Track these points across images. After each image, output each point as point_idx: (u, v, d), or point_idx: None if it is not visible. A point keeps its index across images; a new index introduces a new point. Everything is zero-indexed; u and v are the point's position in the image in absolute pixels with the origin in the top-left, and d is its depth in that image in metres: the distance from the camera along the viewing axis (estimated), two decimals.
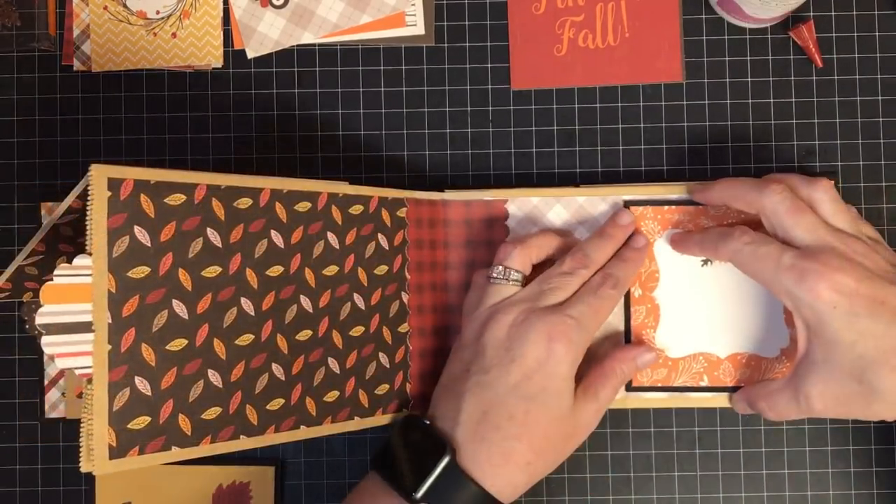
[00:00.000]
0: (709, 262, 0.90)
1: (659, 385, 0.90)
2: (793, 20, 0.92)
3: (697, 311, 0.90)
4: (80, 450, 0.66)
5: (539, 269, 0.85)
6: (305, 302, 0.78)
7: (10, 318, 0.93)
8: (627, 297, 0.90)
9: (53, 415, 0.93)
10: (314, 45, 0.95)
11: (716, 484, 0.92)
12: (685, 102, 0.94)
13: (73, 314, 0.66)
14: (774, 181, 0.80)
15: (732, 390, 0.89)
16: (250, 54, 0.94)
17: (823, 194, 0.80)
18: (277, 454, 0.93)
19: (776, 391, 0.82)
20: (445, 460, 0.76)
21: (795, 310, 0.78)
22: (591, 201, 0.90)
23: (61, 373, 0.93)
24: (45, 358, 0.93)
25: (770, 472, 0.92)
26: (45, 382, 0.93)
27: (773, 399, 0.82)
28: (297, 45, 0.95)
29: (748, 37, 0.93)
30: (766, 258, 0.78)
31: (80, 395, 0.92)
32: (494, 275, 0.83)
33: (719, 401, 0.90)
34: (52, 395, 0.93)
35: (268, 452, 0.93)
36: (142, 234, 0.68)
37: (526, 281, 0.84)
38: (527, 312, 0.80)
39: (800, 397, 0.79)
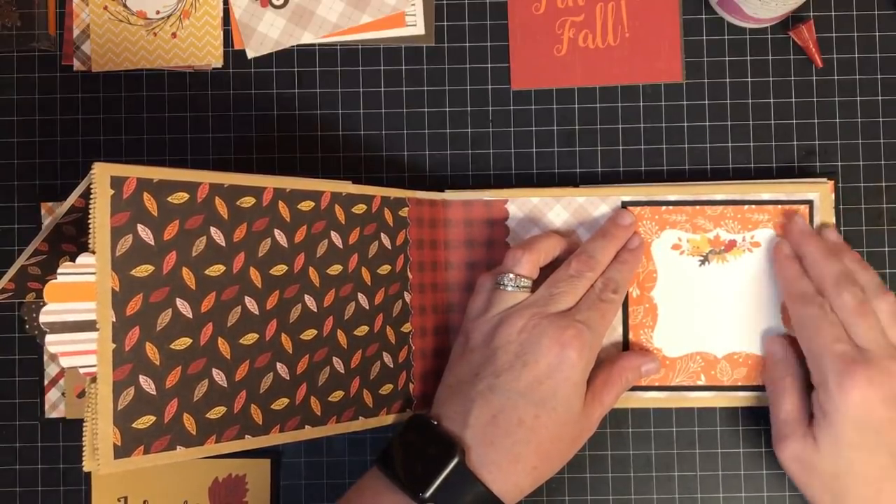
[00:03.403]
0: (706, 263, 0.90)
1: (657, 384, 0.90)
2: (793, 20, 0.93)
3: (694, 311, 0.90)
4: (83, 449, 0.66)
5: (543, 270, 0.85)
6: (310, 301, 0.78)
7: (11, 318, 0.93)
8: (626, 296, 0.90)
9: (53, 415, 0.93)
10: (314, 45, 0.95)
11: (716, 484, 0.92)
12: (685, 102, 0.94)
13: (77, 312, 0.66)
14: (850, 283, 0.82)
15: (730, 390, 0.90)
16: (250, 54, 0.94)
17: (888, 307, 0.83)
18: (274, 447, 0.92)
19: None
20: (455, 461, 0.76)
21: (821, 390, 0.82)
22: (591, 201, 0.90)
23: (61, 373, 0.92)
24: (45, 358, 0.93)
25: (770, 472, 0.92)
26: (45, 382, 0.93)
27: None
28: (297, 45, 0.95)
29: (748, 37, 0.94)
30: (824, 333, 0.81)
31: (80, 395, 0.92)
32: (504, 282, 0.83)
33: (718, 400, 0.90)
34: (52, 395, 0.93)
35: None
36: (145, 233, 0.68)
37: (533, 284, 0.84)
38: (538, 318, 0.80)
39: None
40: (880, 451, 0.79)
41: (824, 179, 0.90)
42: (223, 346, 0.72)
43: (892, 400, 0.78)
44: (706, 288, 0.90)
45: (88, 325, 0.66)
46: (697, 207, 0.90)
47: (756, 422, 0.92)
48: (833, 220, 0.89)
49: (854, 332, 0.81)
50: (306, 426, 0.78)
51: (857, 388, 0.78)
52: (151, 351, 0.68)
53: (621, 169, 0.94)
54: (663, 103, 0.94)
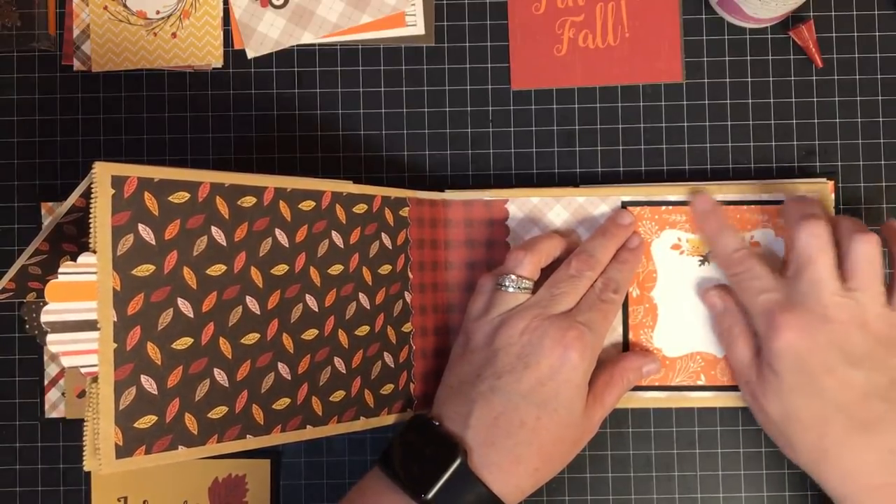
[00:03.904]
0: (706, 262, 0.90)
1: (657, 384, 0.90)
2: (793, 20, 0.93)
3: (694, 311, 0.90)
4: (84, 449, 0.66)
5: (544, 270, 0.85)
6: (311, 301, 0.78)
7: (11, 318, 0.93)
8: (626, 296, 0.90)
9: (53, 415, 0.93)
10: (314, 45, 0.95)
11: (716, 484, 0.92)
12: (685, 102, 0.94)
13: (79, 312, 0.66)
14: (814, 218, 0.81)
15: (730, 389, 0.90)
16: (250, 54, 0.94)
17: (862, 248, 0.81)
18: (275, 447, 0.92)
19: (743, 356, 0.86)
20: (457, 462, 0.76)
21: (761, 341, 0.83)
22: (591, 201, 0.90)
23: (61, 373, 0.92)
24: (46, 358, 0.93)
25: (770, 472, 0.92)
26: (45, 382, 0.93)
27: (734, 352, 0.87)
28: (297, 45, 0.95)
29: (748, 37, 0.94)
30: (750, 287, 0.83)
31: (80, 395, 0.92)
32: (505, 283, 0.83)
33: (718, 400, 0.90)
34: (52, 395, 0.93)
35: None
36: (146, 232, 0.68)
37: (534, 285, 0.84)
38: (539, 319, 0.80)
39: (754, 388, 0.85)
40: (818, 396, 0.79)
41: (824, 179, 0.90)
42: (224, 346, 0.72)
43: (827, 346, 0.79)
44: (706, 288, 0.90)
45: (89, 325, 0.66)
46: None
47: (756, 422, 0.92)
48: None
49: (796, 278, 0.81)
50: (307, 426, 0.78)
51: (785, 333, 0.79)
52: (153, 350, 0.68)
53: (621, 169, 0.94)
54: (663, 103, 0.94)
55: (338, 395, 0.80)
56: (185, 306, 0.69)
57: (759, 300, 0.82)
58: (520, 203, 0.91)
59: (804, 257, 0.80)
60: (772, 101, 0.93)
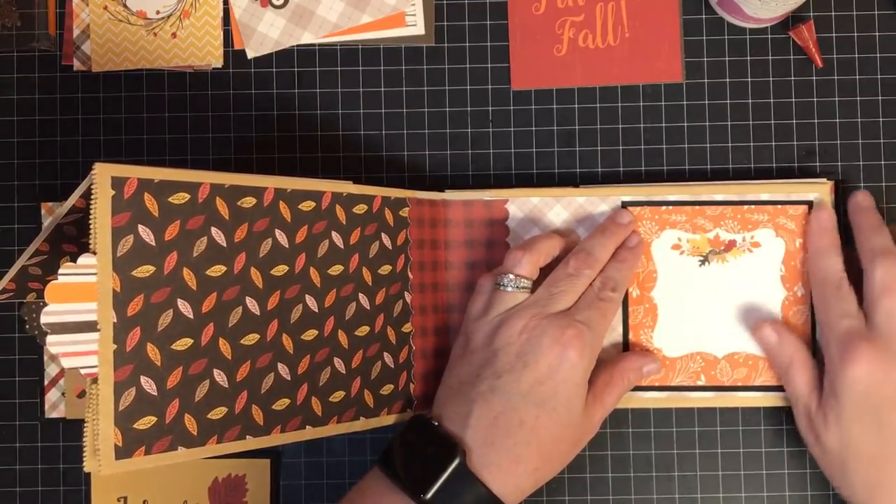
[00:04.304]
0: (706, 263, 0.90)
1: (657, 385, 0.90)
2: (793, 20, 0.93)
3: (694, 311, 0.90)
4: (84, 449, 0.66)
5: (543, 270, 0.85)
6: (311, 301, 0.78)
7: (11, 318, 0.93)
8: (625, 296, 0.90)
9: (53, 415, 0.93)
10: (314, 45, 0.95)
11: (716, 484, 0.92)
12: (685, 102, 0.94)
13: (79, 313, 0.66)
14: (891, 255, 0.82)
15: (730, 389, 0.90)
16: (250, 54, 0.94)
17: None
18: (275, 447, 0.92)
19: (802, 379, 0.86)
20: (456, 462, 0.76)
21: (828, 365, 0.83)
22: (591, 201, 0.90)
23: (61, 373, 0.92)
24: (46, 358, 0.93)
25: (770, 473, 0.92)
26: (45, 382, 0.93)
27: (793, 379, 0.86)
28: (297, 45, 0.95)
29: (748, 37, 0.94)
30: (833, 308, 0.84)
31: (80, 396, 0.92)
32: (504, 283, 0.83)
33: (718, 400, 0.90)
34: (52, 395, 0.93)
35: None
36: (146, 233, 0.68)
37: (533, 285, 0.84)
38: (538, 319, 0.80)
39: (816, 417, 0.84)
40: (879, 430, 0.79)
41: (824, 179, 0.90)
42: (224, 347, 0.72)
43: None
44: (706, 288, 0.90)
45: (89, 326, 0.66)
46: (697, 207, 0.90)
47: (756, 422, 0.92)
48: None
49: (871, 310, 0.81)
50: (307, 426, 0.78)
51: (859, 362, 0.79)
52: (152, 351, 0.68)
53: (621, 169, 0.94)
54: (663, 103, 0.94)
55: (337, 396, 0.80)
56: (184, 307, 0.70)
57: (843, 324, 0.82)
58: (520, 203, 0.91)
59: (880, 291, 0.81)
60: (772, 101, 0.93)
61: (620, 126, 0.94)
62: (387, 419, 0.85)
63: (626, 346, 0.90)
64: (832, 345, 0.82)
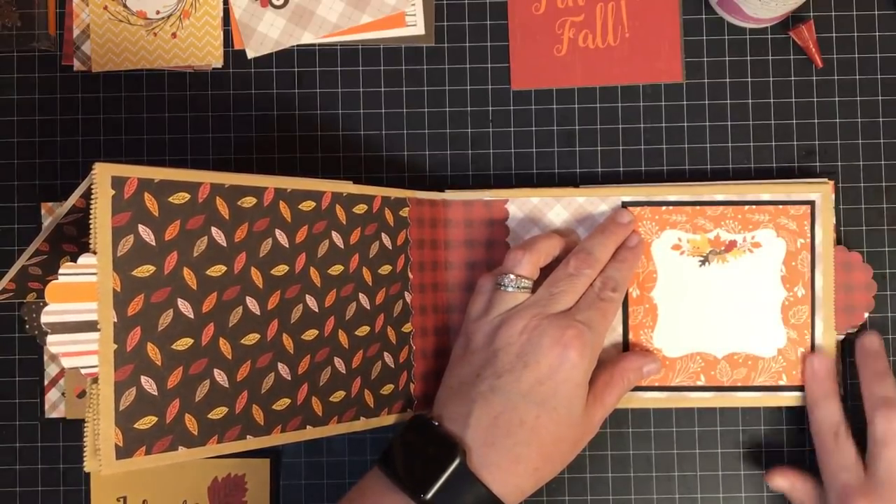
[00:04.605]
0: (706, 263, 0.90)
1: (657, 385, 0.90)
2: (793, 20, 0.93)
3: (694, 311, 0.90)
4: (84, 449, 0.66)
5: (543, 269, 0.85)
6: (311, 301, 0.78)
7: (11, 318, 0.93)
8: (625, 296, 0.90)
9: (53, 415, 0.93)
10: (314, 45, 0.95)
11: (716, 484, 0.92)
12: (685, 102, 0.94)
13: (79, 313, 0.66)
14: (886, 410, 0.84)
15: (730, 390, 0.90)
16: (250, 54, 0.94)
17: None
18: (274, 447, 0.92)
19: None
20: (456, 462, 0.75)
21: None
22: (591, 202, 0.90)
23: (61, 373, 0.92)
24: (46, 358, 0.93)
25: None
26: (45, 382, 0.93)
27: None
28: (297, 45, 0.94)
29: (748, 37, 0.94)
30: (832, 460, 0.85)
31: (80, 395, 0.92)
32: (505, 283, 0.83)
33: (718, 400, 0.90)
34: (52, 395, 0.93)
35: None
36: (146, 233, 0.68)
37: (534, 285, 0.84)
38: (538, 319, 0.80)
39: None
40: None
41: (825, 179, 0.90)
42: (224, 347, 0.72)
43: None
44: (706, 288, 0.90)
45: (90, 326, 0.66)
46: (697, 208, 0.90)
47: (756, 422, 0.92)
48: (833, 220, 0.89)
49: (872, 460, 0.83)
50: (307, 426, 0.78)
51: None
52: (153, 351, 0.68)
53: (621, 169, 0.94)
54: (663, 103, 0.94)
55: (338, 396, 0.80)
56: (185, 307, 0.70)
57: (841, 477, 0.83)
58: (520, 203, 0.91)
59: (881, 442, 0.83)
60: (772, 101, 0.93)
61: (620, 126, 0.94)
62: (387, 419, 0.85)
63: (626, 346, 0.90)
64: (832, 495, 0.84)
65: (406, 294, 0.87)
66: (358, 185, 0.83)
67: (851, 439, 0.85)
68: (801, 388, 0.89)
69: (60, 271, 0.65)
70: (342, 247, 0.81)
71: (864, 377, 0.87)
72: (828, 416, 0.87)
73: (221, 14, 0.94)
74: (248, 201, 0.74)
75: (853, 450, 0.85)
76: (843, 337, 0.91)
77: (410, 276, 0.87)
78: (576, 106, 0.94)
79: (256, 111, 0.94)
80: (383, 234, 0.84)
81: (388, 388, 0.84)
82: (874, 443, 0.83)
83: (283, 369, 0.76)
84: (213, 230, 0.71)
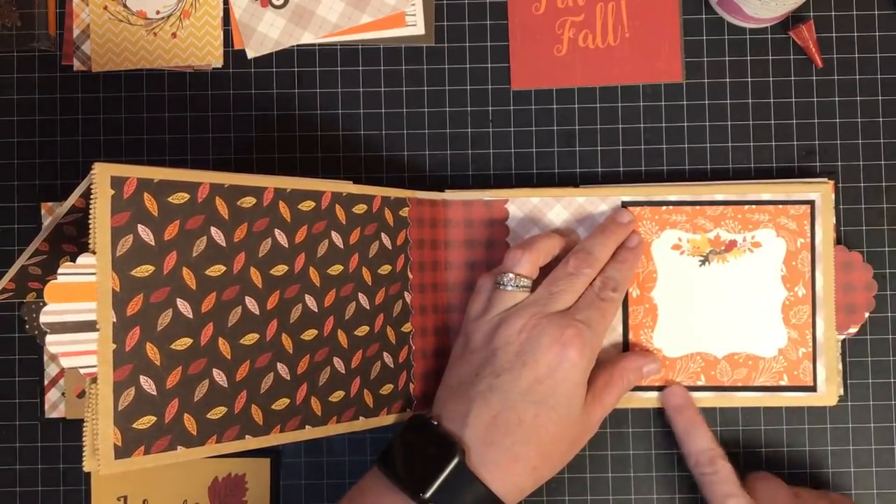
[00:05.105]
0: (706, 263, 0.90)
1: (657, 385, 0.90)
2: (793, 20, 0.93)
3: (694, 311, 0.90)
4: (84, 449, 0.66)
5: (543, 269, 0.85)
6: (310, 301, 0.78)
7: (11, 318, 0.93)
8: (625, 296, 0.90)
9: (53, 415, 0.93)
10: (314, 45, 0.95)
11: None
12: (685, 102, 0.94)
13: (78, 313, 0.66)
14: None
15: (730, 390, 0.90)
16: (250, 54, 0.94)
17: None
18: (274, 447, 0.92)
19: None
20: (455, 461, 0.75)
21: None
22: (591, 201, 0.90)
23: (61, 373, 0.92)
24: (46, 358, 0.93)
25: (769, 473, 0.92)
26: (45, 382, 0.93)
27: None
28: (297, 45, 0.95)
29: (748, 37, 0.94)
30: (716, 490, 0.86)
31: (80, 395, 0.92)
32: (504, 282, 0.83)
33: (718, 400, 0.90)
34: (52, 395, 0.93)
35: None
36: (145, 233, 0.68)
37: (533, 284, 0.84)
38: (537, 318, 0.80)
39: None
40: None
41: (825, 179, 0.90)
42: (224, 347, 0.72)
43: None
44: (706, 288, 0.90)
45: (89, 326, 0.66)
46: (697, 207, 0.90)
47: (756, 422, 0.92)
48: (833, 220, 0.89)
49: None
50: (307, 426, 0.78)
51: None
52: (152, 351, 0.68)
53: (621, 169, 0.94)
54: (663, 103, 0.94)
55: (337, 396, 0.80)
56: (184, 307, 0.70)
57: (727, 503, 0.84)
58: (520, 203, 0.91)
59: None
60: (772, 101, 0.93)
61: (620, 126, 0.94)
62: (386, 419, 0.85)
63: (626, 346, 0.90)
64: None
65: (406, 294, 0.87)
66: (358, 185, 0.83)
67: (729, 465, 0.86)
68: (802, 389, 0.89)
69: (59, 271, 0.65)
70: (342, 247, 0.81)
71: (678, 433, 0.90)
72: (702, 440, 0.87)
73: (221, 14, 0.94)
74: (248, 201, 0.74)
75: (733, 471, 0.85)
76: (843, 337, 0.91)
77: (410, 275, 0.87)
78: (576, 106, 0.94)
79: (256, 111, 0.94)
80: (383, 234, 0.84)
81: (387, 388, 0.84)
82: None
83: (283, 369, 0.76)
84: (213, 230, 0.71)
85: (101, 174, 0.66)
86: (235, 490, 0.93)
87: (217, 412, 0.71)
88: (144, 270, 0.68)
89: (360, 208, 0.82)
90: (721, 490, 0.84)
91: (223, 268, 0.72)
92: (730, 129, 0.93)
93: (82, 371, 0.66)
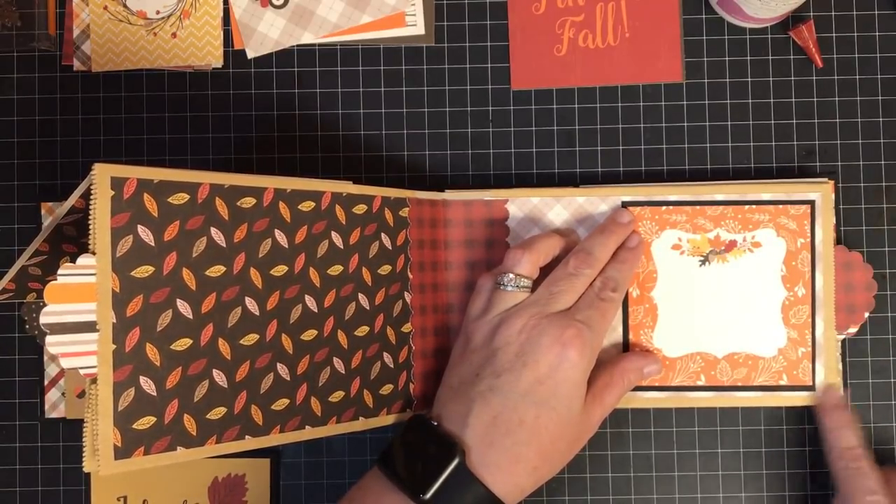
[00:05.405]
0: (706, 263, 0.90)
1: (657, 384, 0.90)
2: (793, 20, 0.93)
3: (694, 311, 0.90)
4: (83, 449, 0.66)
5: (543, 269, 0.85)
6: (310, 301, 0.78)
7: (11, 318, 0.93)
8: (625, 297, 0.90)
9: (53, 415, 0.93)
10: (314, 45, 0.95)
11: (716, 484, 0.92)
12: (685, 102, 0.94)
13: (78, 314, 0.66)
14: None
15: (730, 389, 0.90)
16: (250, 54, 0.94)
17: None
18: (274, 447, 0.92)
19: None
20: (455, 462, 0.75)
21: None
22: (591, 201, 0.90)
23: (61, 373, 0.92)
24: (46, 358, 0.93)
25: (770, 472, 0.92)
26: (45, 382, 0.93)
27: None
28: (297, 45, 0.95)
29: (748, 37, 0.94)
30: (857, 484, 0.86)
31: (80, 396, 0.92)
32: (504, 282, 0.83)
33: (718, 400, 0.90)
34: (52, 395, 0.93)
35: None
36: (145, 234, 0.68)
37: (533, 284, 0.84)
38: (537, 318, 0.80)
39: None
40: None
41: (825, 179, 0.90)
42: (223, 347, 0.72)
43: None
44: (706, 288, 0.90)
45: (89, 327, 0.66)
46: (697, 207, 0.90)
47: (756, 422, 0.92)
48: (833, 220, 0.89)
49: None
50: (307, 426, 0.78)
51: None
52: (152, 352, 0.68)
53: (621, 169, 0.94)
54: (663, 103, 0.94)
55: (337, 396, 0.80)
56: (184, 307, 0.70)
57: (867, 500, 0.84)
58: (520, 203, 0.91)
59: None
60: (772, 101, 0.93)
61: (620, 126, 0.94)
62: (386, 419, 0.85)
63: (626, 346, 0.90)
64: None
65: (406, 294, 0.87)
66: (358, 185, 0.83)
67: (874, 465, 0.86)
68: (801, 388, 0.89)
69: (59, 272, 0.65)
70: (342, 247, 0.81)
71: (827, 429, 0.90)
72: (852, 437, 0.87)
73: (221, 14, 0.94)
74: (248, 202, 0.74)
75: (876, 469, 0.85)
76: (843, 337, 0.91)
77: (410, 276, 0.87)
78: (576, 106, 0.94)
79: (256, 111, 0.94)
80: (383, 235, 0.84)
81: (387, 388, 0.84)
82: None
83: (283, 369, 0.76)
84: (213, 230, 0.71)
85: (101, 175, 0.66)
86: (235, 490, 0.93)
87: (217, 412, 0.71)
88: (144, 271, 0.68)
89: (360, 208, 0.82)
90: (864, 484, 0.84)
91: (223, 268, 0.72)
92: (730, 129, 0.93)
93: (82, 372, 0.66)
